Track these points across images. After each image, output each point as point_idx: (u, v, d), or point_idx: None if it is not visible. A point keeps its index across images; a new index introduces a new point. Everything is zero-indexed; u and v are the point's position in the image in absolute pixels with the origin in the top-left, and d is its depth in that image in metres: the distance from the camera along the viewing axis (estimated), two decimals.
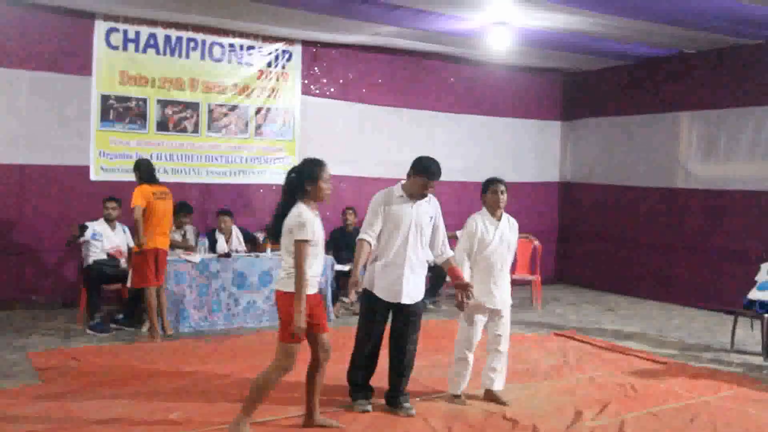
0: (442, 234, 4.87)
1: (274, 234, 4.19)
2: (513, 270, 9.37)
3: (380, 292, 4.69)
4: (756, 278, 7.12)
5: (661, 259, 10.17)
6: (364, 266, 4.76)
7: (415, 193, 4.69)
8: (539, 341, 7.26)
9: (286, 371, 4.10)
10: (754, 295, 6.93)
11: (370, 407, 4.79)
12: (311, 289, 4.11)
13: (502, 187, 5.04)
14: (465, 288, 4.68)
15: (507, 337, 5.11)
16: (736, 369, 6.35)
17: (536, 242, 9.71)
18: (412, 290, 4.71)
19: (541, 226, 11.40)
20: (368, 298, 4.76)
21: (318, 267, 4.18)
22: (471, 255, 4.94)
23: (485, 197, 5.06)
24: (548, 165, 11.78)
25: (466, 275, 4.82)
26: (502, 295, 5.00)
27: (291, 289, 4.01)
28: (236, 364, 5.83)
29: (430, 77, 10.51)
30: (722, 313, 8.63)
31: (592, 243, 11.28)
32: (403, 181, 4.78)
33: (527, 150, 11.45)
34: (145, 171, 6.84)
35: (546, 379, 5.76)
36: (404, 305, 4.69)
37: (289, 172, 4.24)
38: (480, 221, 5.00)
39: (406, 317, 4.73)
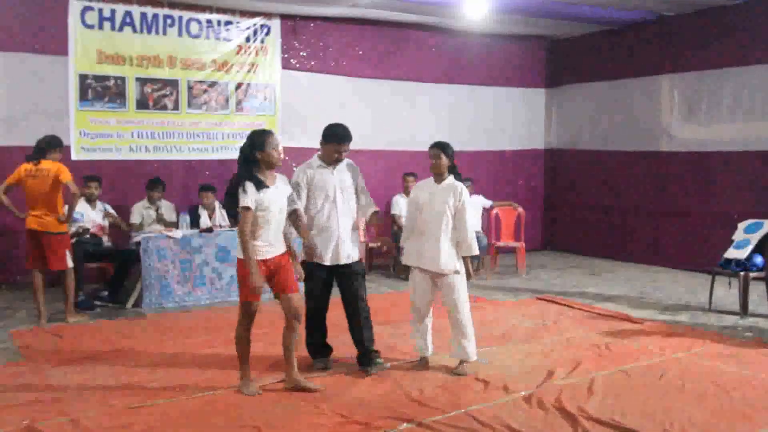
0: (365, 195, 5.13)
1: (227, 207, 4.51)
2: (498, 237, 9.57)
3: (319, 258, 4.90)
4: (733, 237, 7.18)
5: (645, 223, 10.24)
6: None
7: (332, 161, 4.93)
8: (519, 306, 7.34)
9: (247, 326, 4.45)
10: (731, 254, 7.00)
11: (328, 363, 5.06)
12: (266, 254, 4.36)
13: (431, 152, 5.08)
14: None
15: (457, 305, 4.98)
16: (712, 327, 6.43)
17: (520, 209, 9.76)
18: (349, 250, 4.96)
19: (527, 193, 11.48)
20: (308, 266, 4.94)
21: (270, 234, 4.37)
22: (412, 219, 5.12)
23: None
24: (533, 132, 11.79)
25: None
26: (435, 258, 4.93)
27: (241, 255, 4.33)
28: (219, 337, 5.90)
29: (412, 48, 10.48)
30: (706, 274, 8.69)
31: (578, 209, 11.35)
32: (319, 152, 5.01)
33: (512, 118, 11.46)
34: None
35: (522, 342, 5.84)
36: (344, 266, 4.94)
37: (241, 148, 4.43)
38: (420, 186, 5.15)
39: (349, 277, 4.97)
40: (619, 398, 4.43)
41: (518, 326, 6.41)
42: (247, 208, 4.23)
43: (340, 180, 4.95)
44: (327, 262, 4.90)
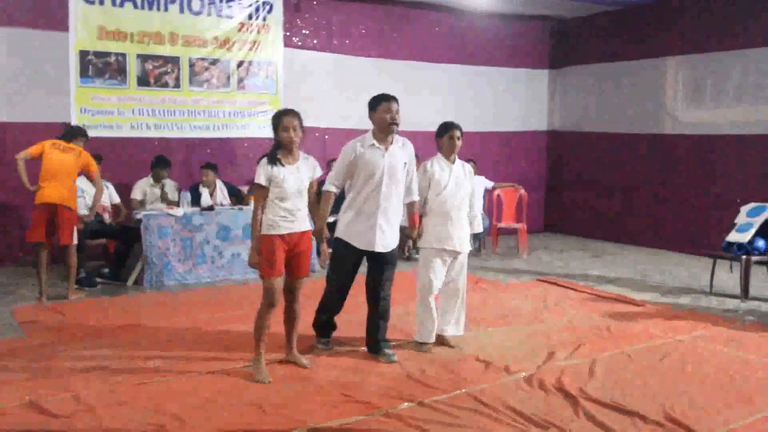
0: (412, 178, 4.86)
1: None
2: (499, 219, 9.56)
3: (353, 240, 4.72)
4: (735, 220, 7.16)
5: (649, 205, 10.21)
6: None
7: (385, 128, 4.64)
8: (521, 288, 7.34)
9: (269, 307, 4.36)
10: (733, 237, 6.98)
11: (330, 344, 5.02)
12: (284, 228, 4.34)
13: (458, 133, 5.04)
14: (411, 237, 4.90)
15: (464, 282, 5.13)
16: (714, 311, 6.43)
17: (522, 191, 9.73)
18: (387, 239, 4.72)
19: (529, 175, 11.44)
20: (340, 246, 4.79)
21: (288, 208, 4.34)
22: (424, 197, 4.98)
23: (441, 141, 5.06)
24: (536, 114, 11.74)
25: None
26: (460, 237, 5.00)
27: (262, 231, 4.34)
28: (221, 315, 5.91)
29: (415, 27, 10.40)
30: (708, 258, 8.68)
31: (580, 191, 11.32)
32: (372, 129, 4.75)
33: (515, 99, 11.40)
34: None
35: (524, 324, 5.85)
36: (378, 253, 4.72)
37: None
38: (434, 166, 5.01)
39: (380, 266, 4.76)
40: (620, 380, 4.43)
41: (520, 307, 6.41)
42: (259, 186, 4.30)
43: (391, 162, 4.64)
44: (360, 246, 4.70)
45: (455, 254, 5.04)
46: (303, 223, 4.46)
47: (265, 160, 4.34)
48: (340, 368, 4.62)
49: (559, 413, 3.88)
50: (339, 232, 4.81)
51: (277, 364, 4.62)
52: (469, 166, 5.25)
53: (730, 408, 4.02)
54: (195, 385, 4.27)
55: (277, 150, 4.38)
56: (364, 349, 4.96)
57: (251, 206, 7.57)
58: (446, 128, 5.07)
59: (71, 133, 6.67)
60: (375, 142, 4.69)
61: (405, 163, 4.76)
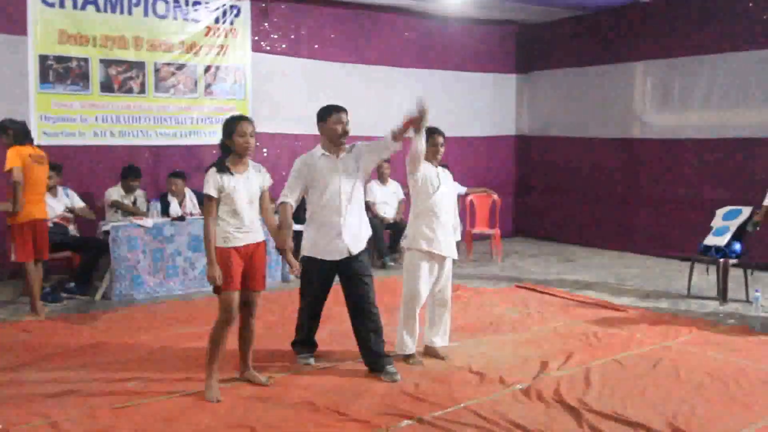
0: (372, 143, 4.72)
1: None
2: (472, 225, 9.49)
3: (322, 254, 4.60)
4: (711, 224, 7.21)
5: (618, 209, 10.27)
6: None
7: (336, 139, 4.56)
8: (500, 294, 7.26)
9: (225, 324, 4.18)
10: (710, 240, 7.02)
11: (312, 360, 4.84)
12: (239, 240, 4.17)
13: (441, 139, 4.93)
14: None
15: (449, 291, 5.04)
16: (693, 314, 6.45)
17: (495, 196, 9.68)
18: (355, 241, 4.61)
19: (497, 180, 11.39)
20: (308, 265, 4.67)
21: (241, 220, 4.16)
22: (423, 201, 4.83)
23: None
24: (504, 119, 11.72)
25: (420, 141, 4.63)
26: (447, 242, 4.88)
27: (216, 244, 4.16)
28: (194, 329, 5.67)
29: (385, 31, 10.28)
30: (679, 261, 8.78)
31: (549, 195, 11.34)
32: (320, 142, 4.67)
33: (483, 104, 11.36)
34: (19, 131, 6.06)
35: (510, 332, 5.75)
36: (347, 263, 4.59)
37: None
38: (426, 168, 4.86)
39: (355, 279, 4.60)
40: (617, 389, 4.36)
41: (503, 315, 6.33)
42: (209, 197, 4.10)
43: (345, 170, 4.58)
44: (329, 258, 4.59)
45: (442, 260, 4.92)
46: (257, 234, 4.29)
47: (213, 169, 4.14)
48: (329, 385, 4.44)
49: (564, 426, 3.79)
50: (305, 251, 4.69)
51: (245, 384, 4.42)
52: (449, 173, 5.15)
53: (731, 415, 3.98)
54: (180, 407, 4.04)
55: (226, 158, 4.20)
56: (350, 364, 4.79)
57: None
58: (429, 133, 4.92)
59: (28, 134, 6.18)
60: (325, 152, 4.62)
61: (358, 166, 4.65)
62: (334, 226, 4.55)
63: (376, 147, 4.70)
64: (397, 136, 4.55)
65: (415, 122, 4.52)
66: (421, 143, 4.62)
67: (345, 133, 4.58)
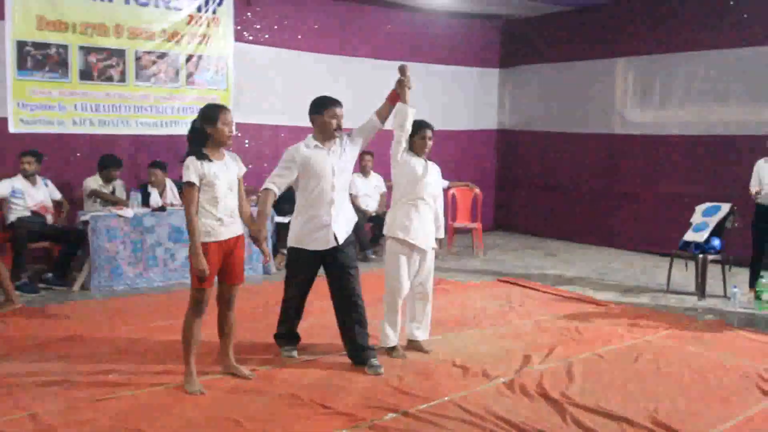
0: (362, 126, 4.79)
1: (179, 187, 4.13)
2: (454, 218, 9.50)
3: (309, 245, 4.58)
4: (691, 220, 7.29)
5: (599, 205, 10.34)
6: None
7: (330, 133, 4.56)
8: (484, 288, 7.29)
9: (194, 317, 4.15)
10: (690, 236, 7.10)
11: (295, 353, 4.82)
12: (219, 234, 4.10)
13: (430, 133, 4.91)
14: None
15: (431, 284, 5.02)
16: (673, 309, 6.52)
17: (477, 190, 9.70)
18: (342, 230, 4.60)
19: (478, 174, 11.40)
20: (294, 255, 4.67)
21: (221, 211, 4.10)
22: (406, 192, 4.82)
23: (412, 141, 4.89)
24: (486, 113, 11.74)
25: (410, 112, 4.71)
26: (426, 234, 4.86)
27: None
28: (174, 321, 5.58)
29: (368, 23, 10.24)
30: (658, 256, 8.87)
31: (530, 190, 11.39)
32: (312, 133, 4.65)
33: (465, 98, 11.37)
34: None
35: (493, 325, 5.78)
36: (337, 255, 4.58)
37: (193, 122, 4.18)
38: (411, 159, 4.86)
39: (343, 271, 4.60)
40: (599, 383, 4.39)
41: (485, 308, 6.35)
42: (190, 184, 3.99)
43: (336, 162, 4.56)
44: (316, 248, 4.57)
45: (423, 252, 4.90)
46: (237, 226, 4.24)
47: (193, 157, 4.04)
48: (313, 378, 4.42)
49: (548, 420, 3.80)
50: (292, 241, 4.66)
51: (228, 377, 4.39)
52: (437, 167, 5.12)
53: (711, 409, 4.02)
54: (163, 400, 4.00)
55: (203, 145, 4.10)
56: (334, 356, 4.78)
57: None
58: (418, 127, 4.91)
59: None
60: (318, 143, 4.60)
61: (349, 157, 4.70)
62: (324, 216, 4.53)
63: (364, 128, 4.75)
64: (383, 111, 4.67)
65: (399, 86, 4.65)
66: (406, 119, 4.69)
67: (339, 127, 4.58)
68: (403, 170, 4.82)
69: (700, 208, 7.34)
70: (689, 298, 6.94)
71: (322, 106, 4.58)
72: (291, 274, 4.79)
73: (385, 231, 4.92)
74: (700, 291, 6.92)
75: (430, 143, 4.95)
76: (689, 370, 4.69)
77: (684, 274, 7.44)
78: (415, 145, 4.91)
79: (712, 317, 6.25)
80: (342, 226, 4.61)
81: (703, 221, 7.15)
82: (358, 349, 4.61)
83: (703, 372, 4.64)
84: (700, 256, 6.92)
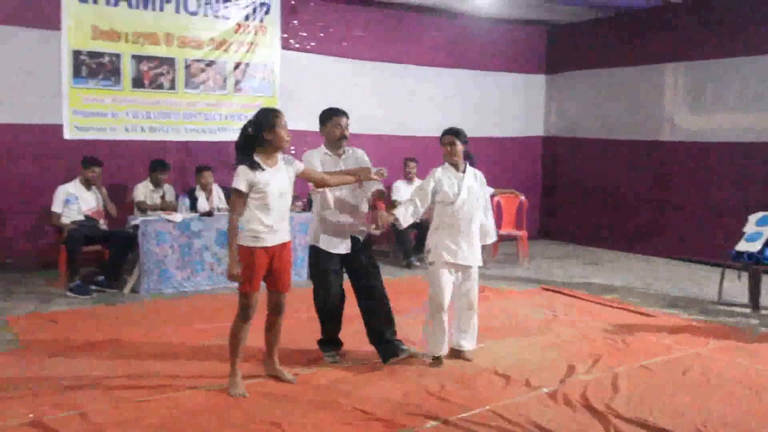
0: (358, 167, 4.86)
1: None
2: (499, 226, 9.42)
3: (329, 247, 4.73)
4: (744, 229, 7.09)
5: (646, 213, 10.14)
6: None
7: (335, 141, 4.73)
8: (527, 296, 7.21)
9: (243, 321, 4.20)
10: (743, 246, 6.89)
11: (337, 358, 4.89)
12: (266, 241, 4.13)
13: (449, 139, 4.83)
14: (379, 218, 4.64)
15: (475, 294, 4.97)
16: (724, 321, 6.34)
17: (522, 197, 9.60)
18: (357, 232, 4.79)
19: (524, 181, 11.32)
20: (317, 254, 4.78)
21: (271, 218, 4.13)
22: (422, 204, 4.79)
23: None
24: (532, 119, 11.64)
25: (400, 216, 4.72)
26: (471, 251, 4.82)
27: (241, 242, 4.10)
28: (220, 325, 5.69)
29: (413, 30, 10.26)
30: (708, 266, 8.65)
31: (576, 197, 11.23)
32: (324, 143, 4.83)
33: (511, 104, 11.30)
34: None
35: (536, 334, 5.71)
36: (357, 256, 4.76)
37: (245, 127, 4.18)
38: (442, 175, 4.82)
39: (365, 270, 4.79)
40: (646, 395, 4.30)
41: (529, 317, 6.28)
42: (238, 191, 4.04)
43: (346, 168, 4.73)
44: (336, 251, 4.73)
45: (466, 268, 4.88)
46: (284, 233, 4.26)
47: (245, 166, 4.06)
48: (353, 383, 4.44)
49: (590, 431, 3.74)
50: (312, 240, 4.84)
51: (271, 381, 4.43)
52: (480, 174, 5.06)
53: (763, 427, 3.89)
54: (204, 401, 4.07)
55: (253, 152, 4.11)
56: (375, 363, 4.81)
57: None
58: (442, 135, 4.88)
59: None
60: (328, 151, 4.78)
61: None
62: (339, 224, 4.72)
63: (315, 173, 4.59)
64: (360, 181, 4.68)
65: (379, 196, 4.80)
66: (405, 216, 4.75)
67: (343, 136, 4.74)
68: (437, 197, 4.82)
69: (754, 218, 7.13)
70: (741, 310, 6.74)
71: (327, 118, 4.77)
72: (317, 276, 4.88)
73: (429, 257, 4.88)
74: (754, 303, 6.72)
75: (452, 149, 4.79)
76: (740, 384, 4.55)
77: (736, 285, 7.23)
78: (443, 156, 4.86)
79: (766, 330, 6.05)
80: (356, 234, 4.79)
81: (756, 231, 6.94)
82: (386, 345, 4.77)
83: (755, 387, 4.50)
84: (754, 266, 6.72)
